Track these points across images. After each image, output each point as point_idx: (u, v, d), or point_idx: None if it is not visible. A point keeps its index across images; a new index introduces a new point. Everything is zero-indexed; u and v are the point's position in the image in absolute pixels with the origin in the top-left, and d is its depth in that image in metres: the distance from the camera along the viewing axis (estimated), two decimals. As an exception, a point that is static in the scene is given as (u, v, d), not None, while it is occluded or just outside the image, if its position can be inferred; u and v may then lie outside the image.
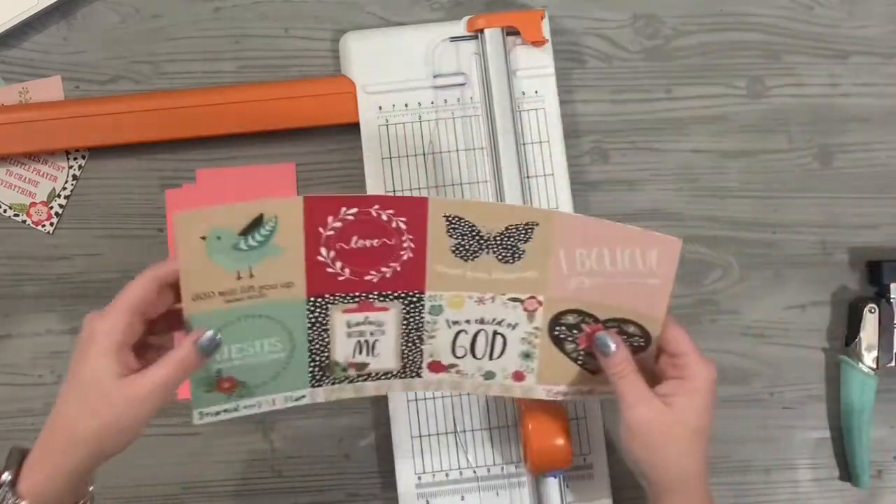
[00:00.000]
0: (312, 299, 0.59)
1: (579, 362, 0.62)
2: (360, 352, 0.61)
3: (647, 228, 0.56)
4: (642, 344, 0.61)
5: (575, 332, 0.61)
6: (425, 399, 0.70)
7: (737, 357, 0.74)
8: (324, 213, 0.57)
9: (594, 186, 0.74)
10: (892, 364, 0.72)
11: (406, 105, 0.71)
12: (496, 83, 0.70)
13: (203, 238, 0.54)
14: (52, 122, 0.70)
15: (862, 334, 0.72)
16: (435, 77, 0.72)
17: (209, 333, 0.56)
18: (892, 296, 0.72)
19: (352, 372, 0.62)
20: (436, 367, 0.63)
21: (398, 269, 0.59)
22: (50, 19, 0.73)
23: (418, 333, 0.62)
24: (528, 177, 0.71)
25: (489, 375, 0.63)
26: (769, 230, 0.75)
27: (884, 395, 0.73)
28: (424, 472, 0.70)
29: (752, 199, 0.75)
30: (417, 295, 0.61)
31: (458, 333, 0.62)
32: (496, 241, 0.59)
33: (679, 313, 0.73)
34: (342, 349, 0.61)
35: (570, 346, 0.62)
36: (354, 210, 0.57)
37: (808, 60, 0.76)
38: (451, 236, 0.59)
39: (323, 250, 0.58)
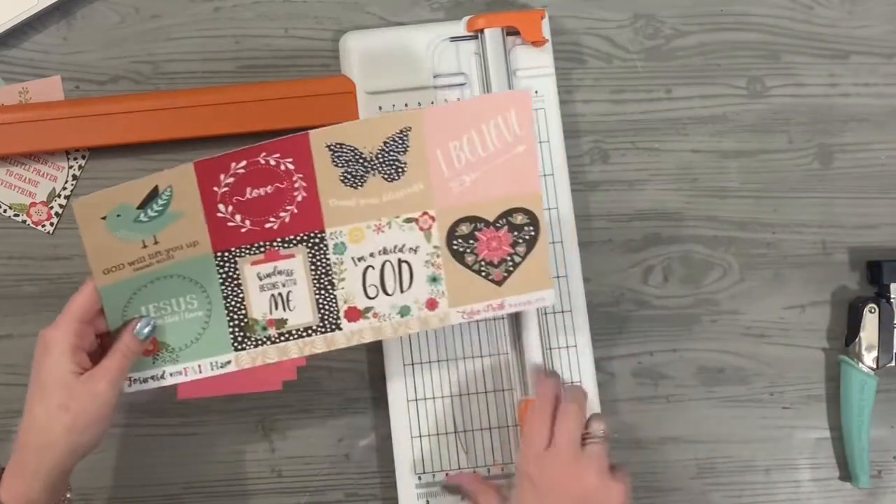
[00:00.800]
0: (219, 253, 0.63)
1: (483, 274, 0.65)
2: (276, 306, 0.64)
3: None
4: (533, 233, 0.65)
5: (471, 241, 0.65)
6: (425, 399, 0.70)
7: (737, 357, 0.74)
8: (215, 172, 0.60)
9: (594, 186, 0.74)
10: (892, 364, 0.72)
11: (406, 105, 0.71)
12: (496, 83, 0.70)
13: (104, 218, 0.59)
14: (52, 122, 0.70)
15: (862, 334, 0.72)
16: (435, 77, 0.72)
17: (144, 320, 0.62)
18: (892, 296, 0.72)
19: (272, 331, 0.64)
20: (352, 314, 0.65)
21: (295, 211, 0.63)
22: (50, 19, 0.73)
23: (328, 278, 0.64)
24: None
25: (405, 311, 0.65)
26: (769, 230, 0.75)
27: (884, 395, 0.73)
28: (424, 472, 0.70)
29: (752, 199, 0.75)
30: (319, 235, 0.63)
31: (365, 270, 0.65)
32: (378, 159, 0.62)
33: (679, 313, 0.74)
34: (258, 305, 0.64)
35: (470, 259, 0.65)
36: (244, 163, 0.61)
37: (808, 60, 0.76)
38: (336, 166, 0.62)
39: (221, 206, 0.61)
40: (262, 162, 0.61)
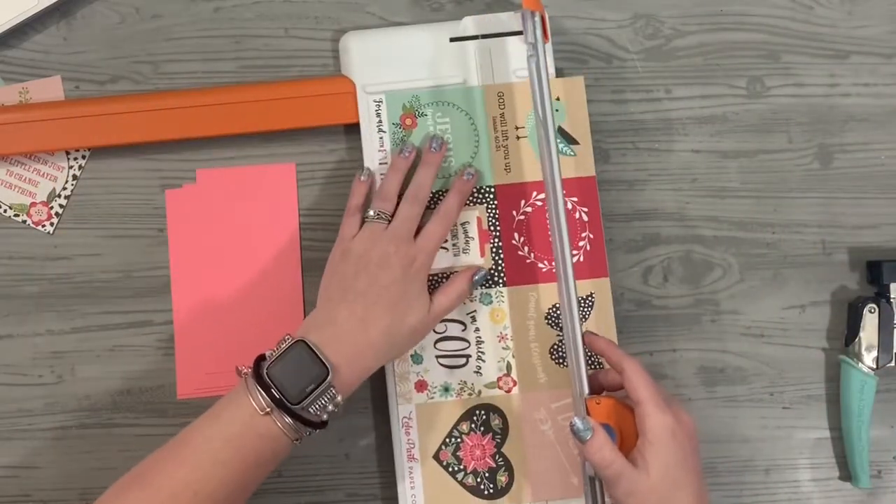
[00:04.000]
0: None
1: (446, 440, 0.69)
2: (456, 240, 0.69)
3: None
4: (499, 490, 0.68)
5: (461, 435, 0.68)
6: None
7: (737, 357, 0.74)
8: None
9: (594, 186, 0.74)
10: (892, 364, 0.72)
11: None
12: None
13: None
14: (52, 122, 0.70)
15: (862, 334, 0.72)
16: (435, 77, 0.72)
17: (482, 271, 0.67)
18: (892, 296, 0.72)
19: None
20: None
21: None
22: (50, 19, 0.73)
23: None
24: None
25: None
26: (769, 230, 0.75)
27: (884, 395, 0.73)
28: (424, 473, 0.70)
29: (752, 199, 0.75)
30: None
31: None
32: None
33: (679, 313, 0.74)
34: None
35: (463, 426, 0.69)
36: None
37: (808, 60, 0.76)
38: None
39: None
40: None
